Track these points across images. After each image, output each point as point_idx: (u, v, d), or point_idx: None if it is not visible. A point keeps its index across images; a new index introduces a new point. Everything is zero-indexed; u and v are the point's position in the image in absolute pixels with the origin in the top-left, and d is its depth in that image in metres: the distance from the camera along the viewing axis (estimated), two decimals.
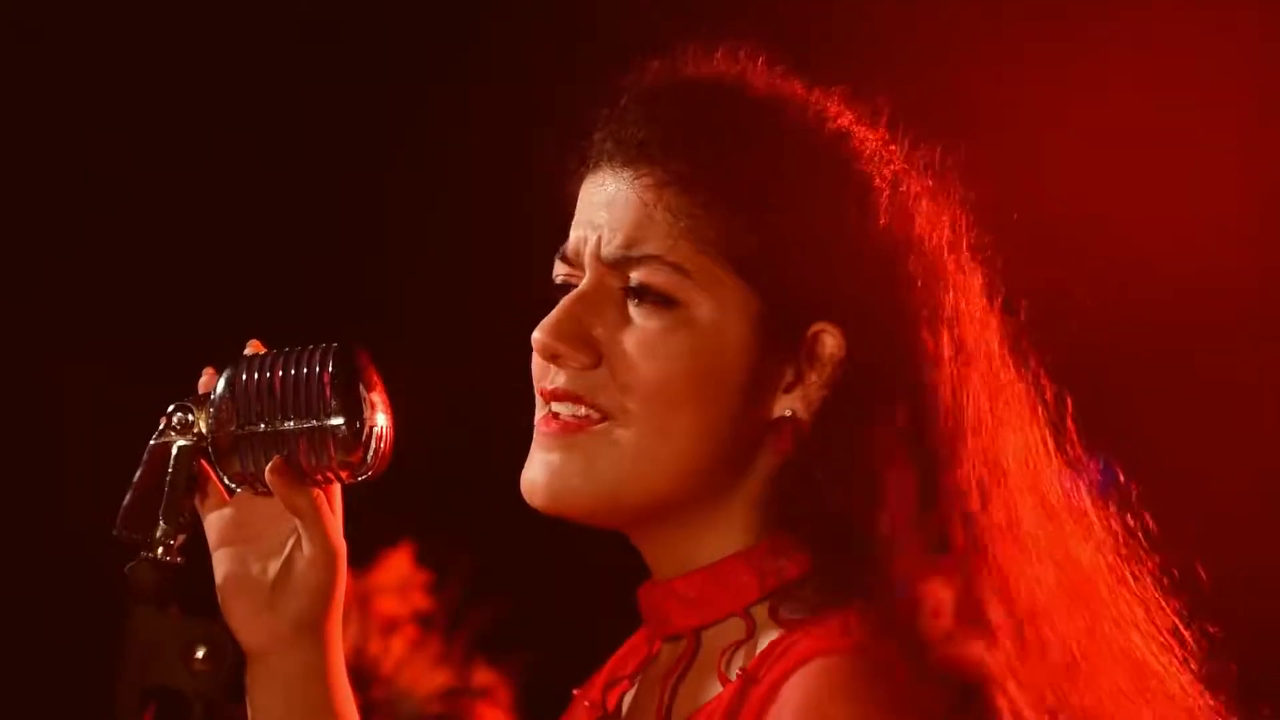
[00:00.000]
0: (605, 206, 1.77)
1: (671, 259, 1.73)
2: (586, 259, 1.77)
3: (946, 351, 1.75)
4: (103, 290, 4.09)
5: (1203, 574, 1.89)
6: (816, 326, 1.74)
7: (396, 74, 4.09)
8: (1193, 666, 1.82)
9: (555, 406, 1.76)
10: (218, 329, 3.84)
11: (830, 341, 1.74)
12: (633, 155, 1.76)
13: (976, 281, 1.82)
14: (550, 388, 1.76)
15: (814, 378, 1.75)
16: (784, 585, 1.73)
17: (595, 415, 1.74)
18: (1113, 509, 1.84)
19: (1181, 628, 1.83)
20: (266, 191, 4.11)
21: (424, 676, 3.61)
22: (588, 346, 1.75)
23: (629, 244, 1.75)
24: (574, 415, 1.75)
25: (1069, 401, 1.88)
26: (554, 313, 1.76)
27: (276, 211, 4.12)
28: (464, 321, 2.03)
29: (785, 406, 1.74)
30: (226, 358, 1.84)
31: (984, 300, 1.82)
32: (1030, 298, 1.90)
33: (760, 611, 1.73)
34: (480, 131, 3.93)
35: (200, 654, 1.66)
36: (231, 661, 1.67)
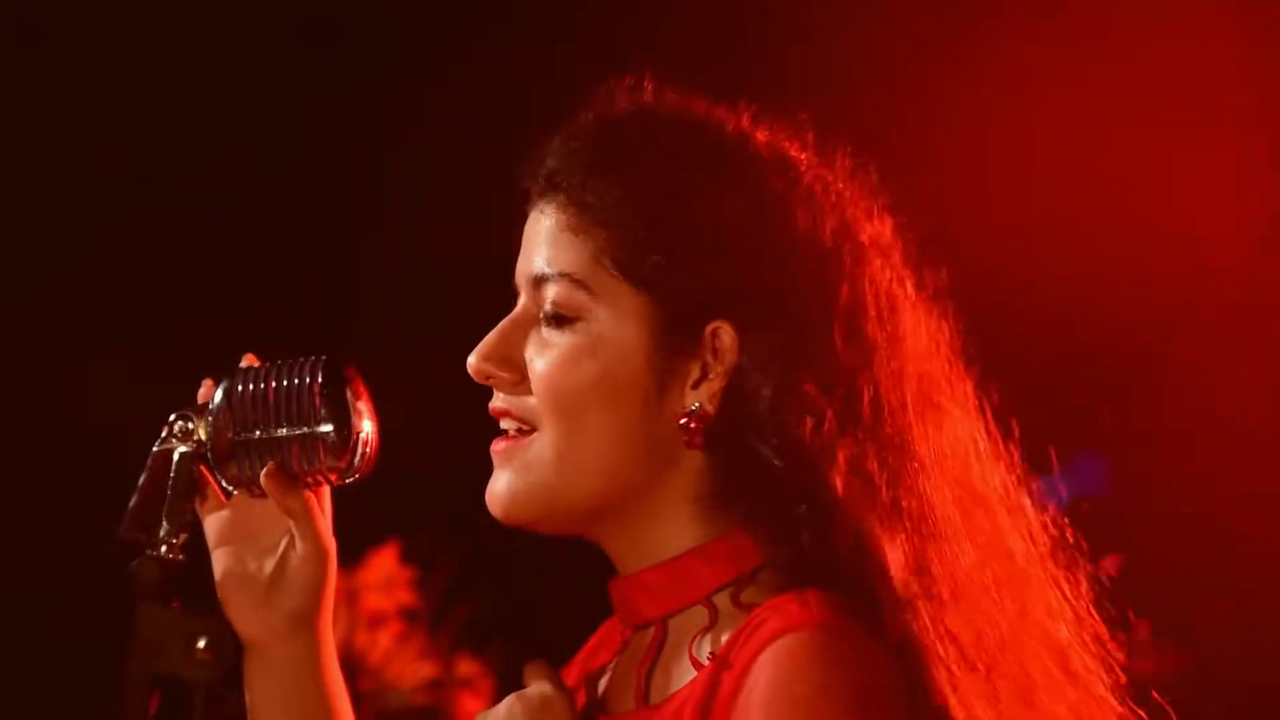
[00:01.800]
0: (531, 238, 1.89)
1: (573, 275, 1.85)
2: (521, 288, 1.90)
3: (839, 339, 1.84)
4: (102, 290, 4.07)
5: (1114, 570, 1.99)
6: (713, 324, 1.84)
7: (395, 76, 4.08)
8: (1114, 662, 1.91)
9: (502, 424, 1.89)
10: (217, 329, 3.88)
11: (726, 337, 1.84)
12: (546, 187, 1.88)
13: (907, 283, 1.91)
14: (491, 405, 1.89)
15: (715, 371, 1.84)
16: (741, 575, 1.84)
17: (526, 429, 1.86)
18: (1051, 509, 1.94)
19: (1104, 626, 1.92)
20: (265, 192, 4.10)
21: (409, 668, 3.66)
22: (513, 366, 1.87)
23: (541, 266, 1.87)
24: (512, 430, 1.87)
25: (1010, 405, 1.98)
26: (485, 338, 1.89)
27: (274, 213, 4.10)
28: (453, 330, 2.10)
29: (693, 401, 1.84)
30: (224, 354, 1.92)
31: (912, 294, 1.91)
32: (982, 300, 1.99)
33: (722, 599, 1.84)
34: (479, 136, 3.88)
35: (201, 645, 1.73)
36: (231, 652, 1.74)
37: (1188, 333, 3.85)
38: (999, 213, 3.85)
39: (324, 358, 1.86)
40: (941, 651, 1.80)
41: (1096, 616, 1.92)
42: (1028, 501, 1.93)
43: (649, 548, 1.88)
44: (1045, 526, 1.93)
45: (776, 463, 1.82)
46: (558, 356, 1.86)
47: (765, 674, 1.75)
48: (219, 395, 1.86)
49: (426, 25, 4.12)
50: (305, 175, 4.12)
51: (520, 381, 1.88)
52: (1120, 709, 1.92)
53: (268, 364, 1.87)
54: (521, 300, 1.91)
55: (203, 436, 1.85)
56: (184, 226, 4.12)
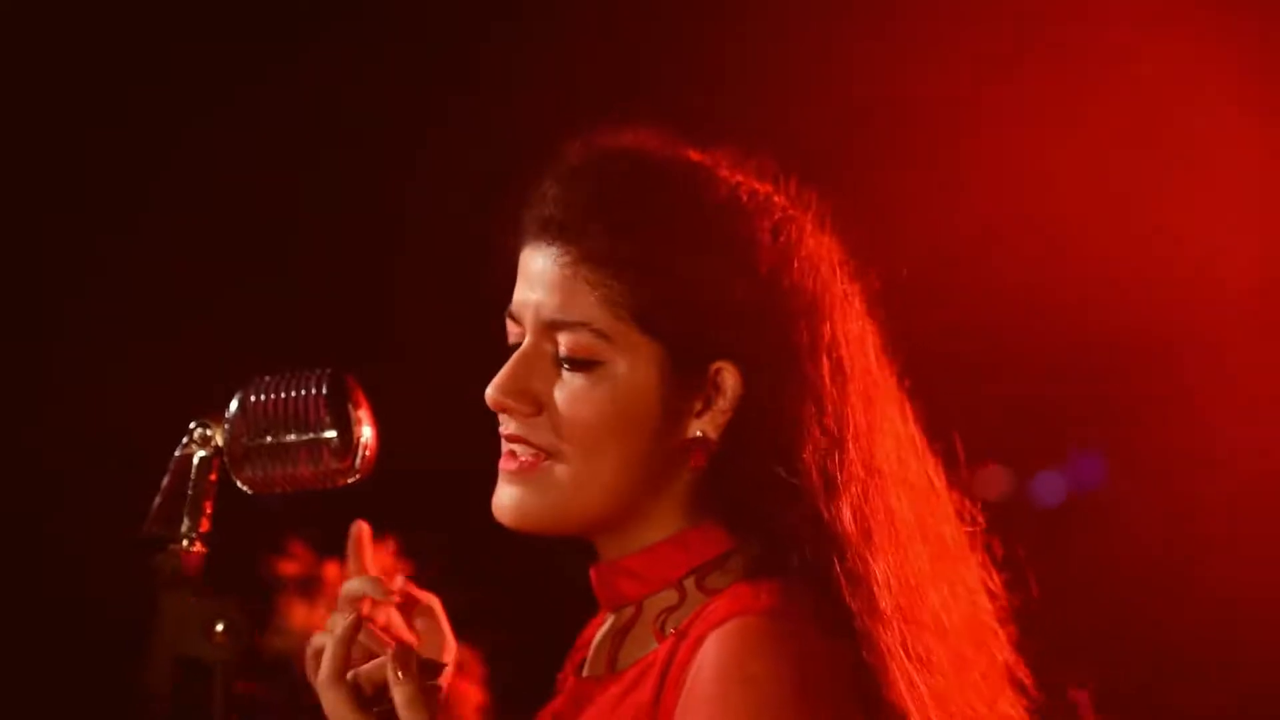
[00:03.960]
0: (537, 278, 2.04)
1: (592, 325, 2.01)
2: (527, 323, 2.05)
3: (826, 374, 2.02)
4: (106, 292, 4.03)
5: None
6: (716, 365, 2.02)
7: (403, 76, 4.08)
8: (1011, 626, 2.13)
9: (510, 446, 2.05)
10: (221, 333, 3.92)
11: (729, 376, 2.02)
12: (552, 235, 2.03)
13: (856, 303, 2.09)
14: (504, 432, 2.06)
15: (719, 405, 2.02)
16: (707, 562, 2.04)
17: (541, 455, 2.03)
18: (959, 491, 2.14)
19: (1002, 590, 2.14)
20: (264, 197, 4.08)
21: None
22: (529, 399, 2.04)
23: (557, 312, 2.02)
24: (525, 455, 2.04)
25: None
26: (501, 371, 2.04)
27: (271, 217, 4.09)
28: (443, 342, 2.24)
29: (697, 429, 2.03)
30: (227, 357, 2.06)
31: (862, 319, 2.09)
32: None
33: (690, 583, 2.04)
34: (471, 141, 3.95)
35: (220, 629, 1.88)
36: (246, 636, 1.89)
37: (1193, 333, 3.89)
38: (1010, 216, 3.87)
39: (327, 371, 2.00)
40: (890, 644, 1.98)
41: (996, 578, 2.13)
42: (941, 482, 2.13)
43: (634, 541, 2.07)
44: (956, 504, 2.14)
45: (794, 481, 2.00)
46: (579, 398, 2.02)
47: (714, 651, 1.93)
48: (234, 405, 2.00)
49: (448, 23, 4.12)
50: (303, 178, 4.12)
51: (534, 414, 2.04)
52: (1019, 660, 2.12)
53: (277, 376, 2.01)
54: (530, 337, 2.05)
55: (220, 442, 1.99)
56: (185, 228, 4.10)
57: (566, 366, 2.04)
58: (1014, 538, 2.18)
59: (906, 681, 1.98)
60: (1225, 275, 3.87)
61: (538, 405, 2.05)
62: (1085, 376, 3.95)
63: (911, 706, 1.97)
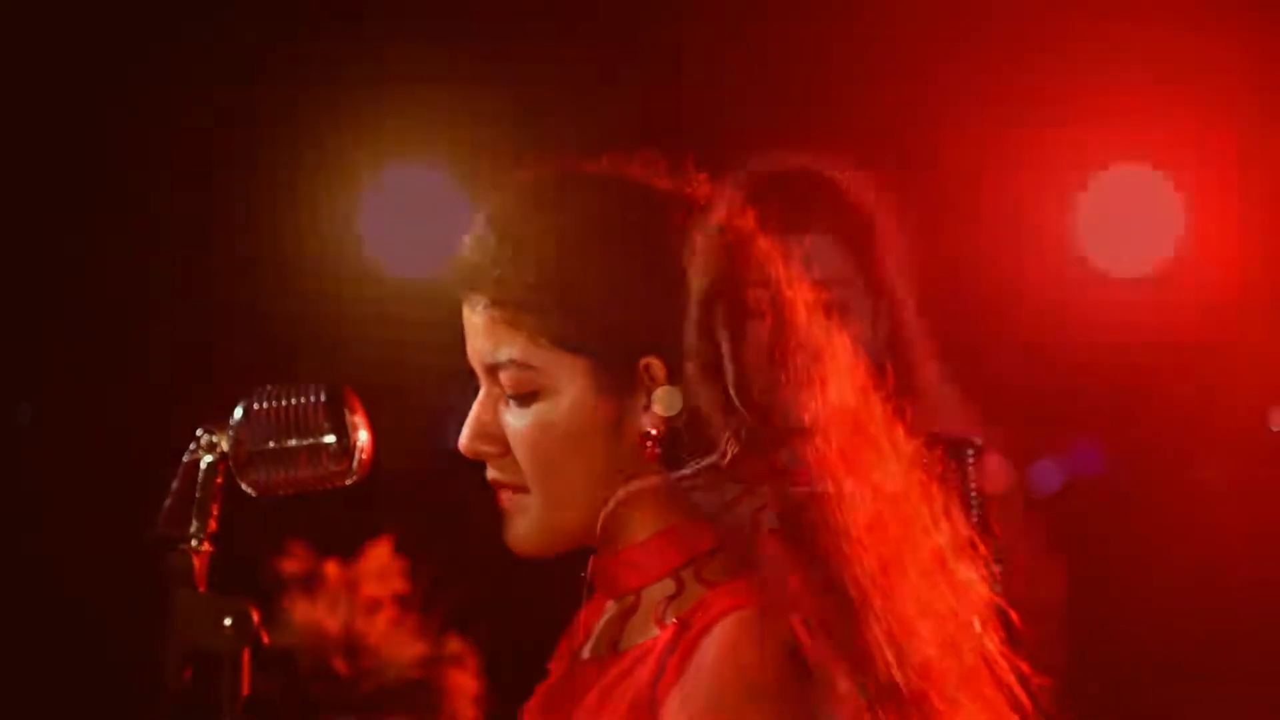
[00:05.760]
0: (470, 328, 2.17)
1: (519, 360, 2.13)
2: (478, 371, 2.18)
3: (750, 346, 2.12)
4: (105, 293, 4.15)
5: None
6: (643, 361, 2.13)
7: (400, 76, 4.18)
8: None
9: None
10: (218, 336, 3.98)
11: (657, 369, 2.13)
12: (469, 285, 2.16)
13: (771, 254, 2.17)
14: (488, 478, 2.19)
15: (657, 396, 2.13)
16: (700, 554, 2.15)
17: (518, 491, 2.16)
18: (921, 439, 2.21)
19: (975, 536, 2.21)
20: (265, 206, 4.17)
21: (403, 647, 3.83)
22: (495, 440, 2.16)
23: (489, 356, 2.15)
24: (508, 492, 2.17)
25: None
26: (467, 422, 2.17)
27: (274, 227, 4.19)
28: (442, 345, 2.34)
29: (646, 424, 2.13)
30: (225, 358, 2.12)
31: (796, 285, 2.17)
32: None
33: (687, 573, 2.15)
34: (461, 157, 4.07)
35: (228, 623, 1.96)
36: (254, 629, 1.96)
37: (1193, 322, 3.97)
38: (1012, 210, 4.01)
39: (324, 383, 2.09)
40: (854, 587, 2.08)
41: (968, 523, 2.21)
42: (902, 431, 2.21)
43: (626, 536, 2.18)
44: (917, 451, 2.21)
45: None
46: (530, 429, 2.14)
47: (713, 645, 2.05)
48: (239, 412, 2.09)
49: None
50: (304, 181, 4.19)
51: (504, 453, 2.17)
52: (992, 599, 2.20)
53: (279, 386, 2.10)
54: (483, 384, 2.18)
55: (225, 448, 2.08)
56: (187, 237, 4.19)
57: (514, 403, 2.15)
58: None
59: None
60: (1226, 265, 3.98)
61: (504, 445, 2.17)
62: (1084, 366, 4.05)
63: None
